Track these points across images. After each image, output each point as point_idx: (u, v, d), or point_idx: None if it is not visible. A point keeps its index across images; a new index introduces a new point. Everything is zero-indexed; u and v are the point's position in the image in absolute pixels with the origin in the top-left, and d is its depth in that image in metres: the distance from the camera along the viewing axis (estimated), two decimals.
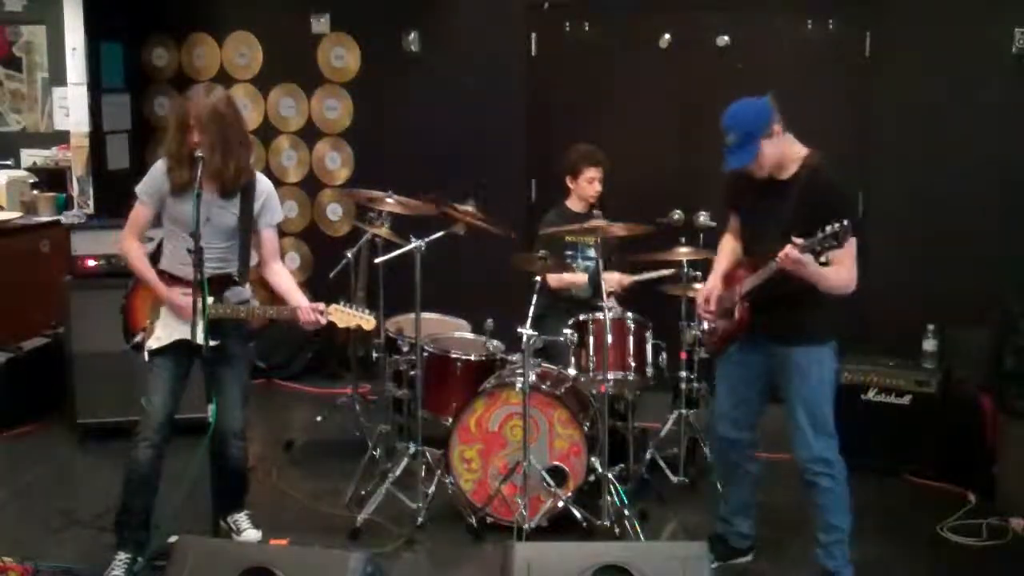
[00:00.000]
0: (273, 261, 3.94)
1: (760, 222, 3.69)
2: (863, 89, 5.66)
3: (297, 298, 3.83)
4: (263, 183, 3.87)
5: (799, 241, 3.31)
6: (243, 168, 3.75)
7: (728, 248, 3.91)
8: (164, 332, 3.79)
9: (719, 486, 4.15)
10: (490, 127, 6.25)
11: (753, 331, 3.71)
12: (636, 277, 4.94)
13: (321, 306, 3.72)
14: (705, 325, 4.05)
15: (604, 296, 4.33)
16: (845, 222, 3.19)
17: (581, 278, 4.95)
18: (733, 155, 3.54)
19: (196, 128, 3.59)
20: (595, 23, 6.08)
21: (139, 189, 3.79)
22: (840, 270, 3.43)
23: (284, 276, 3.94)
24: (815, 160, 3.57)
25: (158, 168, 3.77)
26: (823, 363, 3.67)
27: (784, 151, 3.57)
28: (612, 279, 4.80)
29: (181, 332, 3.70)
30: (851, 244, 3.37)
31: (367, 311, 3.77)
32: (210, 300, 3.57)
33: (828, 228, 3.20)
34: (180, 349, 3.74)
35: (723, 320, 3.81)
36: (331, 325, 3.74)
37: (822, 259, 3.29)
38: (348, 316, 3.73)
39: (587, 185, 4.99)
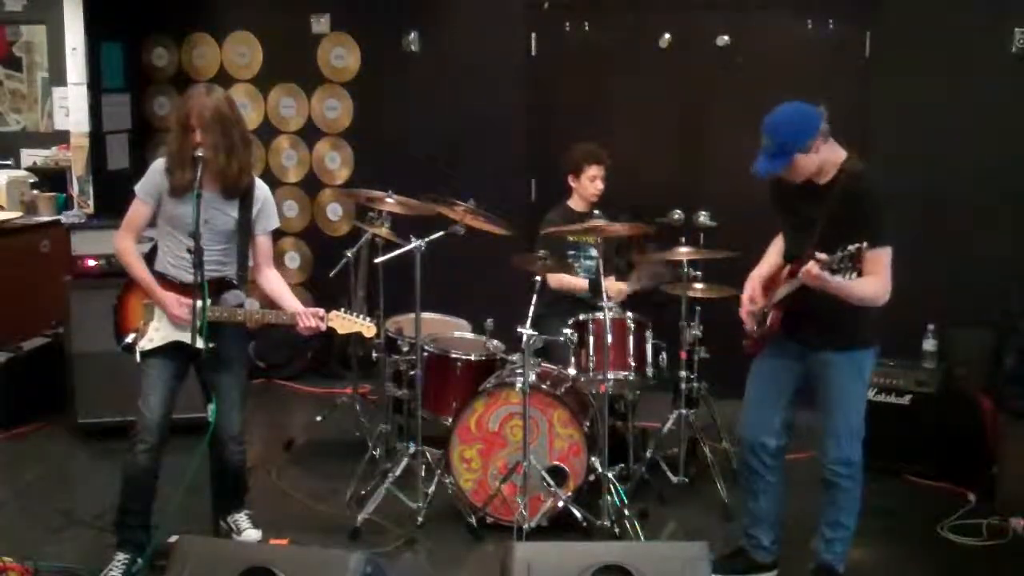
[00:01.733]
0: (267, 267, 3.93)
1: (797, 226, 3.62)
2: (863, 89, 5.66)
3: (291, 303, 3.82)
4: (261, 188, 3.87)
5: (823, 257, 3.23)
6: (246, 168, 3.75)
7: (776, 248, 3.83)
8: (157, 334, 3.77)
9: (743, 497, 3.95)
10: (490, 127, 6.25)
11: (787, 337, 3.64)
12: (636, 287, 4.89)
13: (321, 312, 3.71)
14: (746, 325, 3.89)
15: (605, 296, 4.32)
16: (864, 244, 3.11)
17: (581, 283, 4.94)
18: (764, 161, 3.44)
19: (198, 128, 3.59)
20: (595, 23, 6.07)
21: (138, 188, 3.79)
22: (868, 282, 3.31)
23: (277, 282, 3.92)
24: (854, 166, 3.48)
25: (157, 167, 3.76)
26: (861, 369, 3.61)
27: (823, 160, 3.46)
28: (612, 288, 4.78)
29: (177, 334, 3.70)
30: (886, 254, 3.37)
31: (367, 317, 3.77)
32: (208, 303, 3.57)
33: (847, 249, 3.13)
34: (175, 350, 3.73)
35: (757, 324, 3.75)
36: (330, 328, 3.74)
37: (847, 276, 3.19)
38: (348, 323, 3.72)
39: (589, 183, 4.99)
